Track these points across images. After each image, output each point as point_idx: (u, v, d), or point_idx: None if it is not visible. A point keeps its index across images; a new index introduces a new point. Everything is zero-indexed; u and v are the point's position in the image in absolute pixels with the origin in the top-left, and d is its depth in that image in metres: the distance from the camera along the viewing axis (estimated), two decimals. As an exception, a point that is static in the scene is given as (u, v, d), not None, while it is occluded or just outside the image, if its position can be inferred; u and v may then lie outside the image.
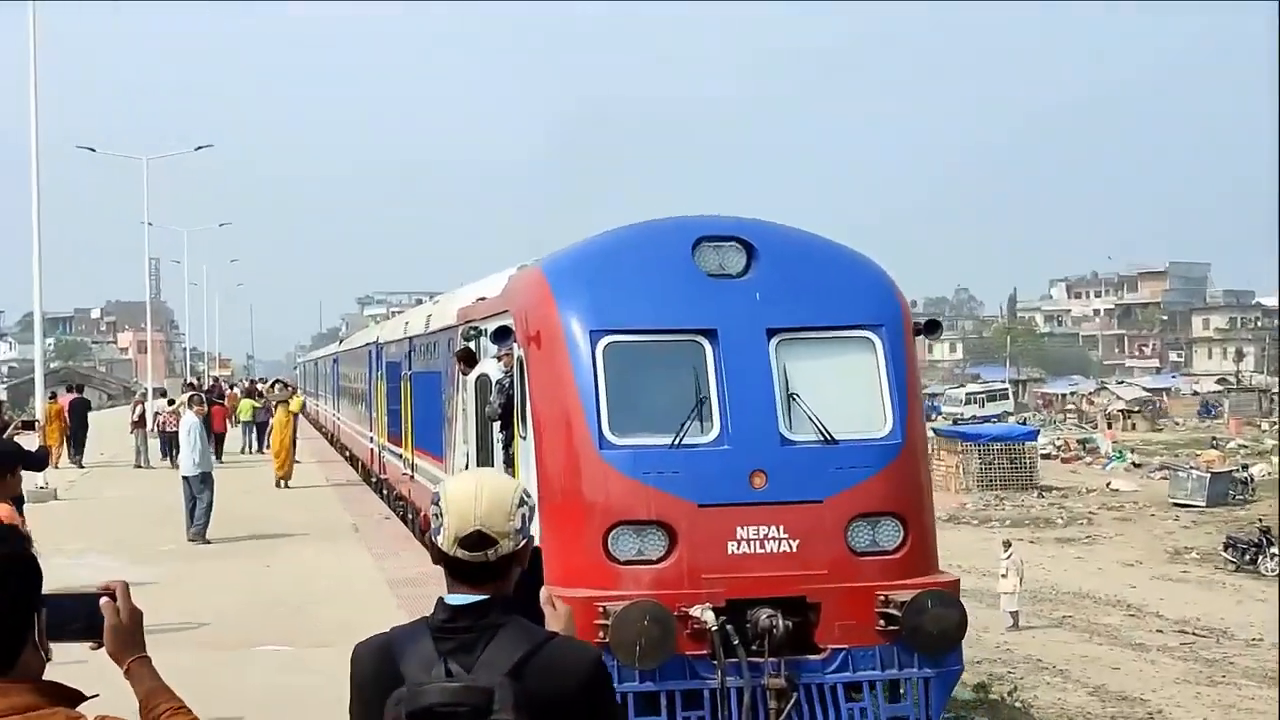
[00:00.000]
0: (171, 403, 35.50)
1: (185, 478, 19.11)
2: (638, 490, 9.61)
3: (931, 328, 10.74)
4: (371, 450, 26.37)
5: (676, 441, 9.64)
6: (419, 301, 65.80)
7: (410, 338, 19.35)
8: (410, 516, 19.91)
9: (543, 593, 3.01)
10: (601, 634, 9.06)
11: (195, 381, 52.61)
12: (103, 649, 2.82)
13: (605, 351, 9.88)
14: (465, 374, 12.74)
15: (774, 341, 10.00)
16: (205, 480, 18.90)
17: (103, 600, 2.82)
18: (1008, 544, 25.98)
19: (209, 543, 18.52)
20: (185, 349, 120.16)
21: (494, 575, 2.86)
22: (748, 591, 9.41)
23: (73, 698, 2.51)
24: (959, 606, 9.52)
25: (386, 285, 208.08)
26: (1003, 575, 25.09)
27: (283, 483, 26.70)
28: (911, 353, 10.40)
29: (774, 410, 9.79)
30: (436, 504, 2.88)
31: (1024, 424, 67.77)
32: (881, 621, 9.52)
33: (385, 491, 24.18)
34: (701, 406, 9.79)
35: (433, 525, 2.88)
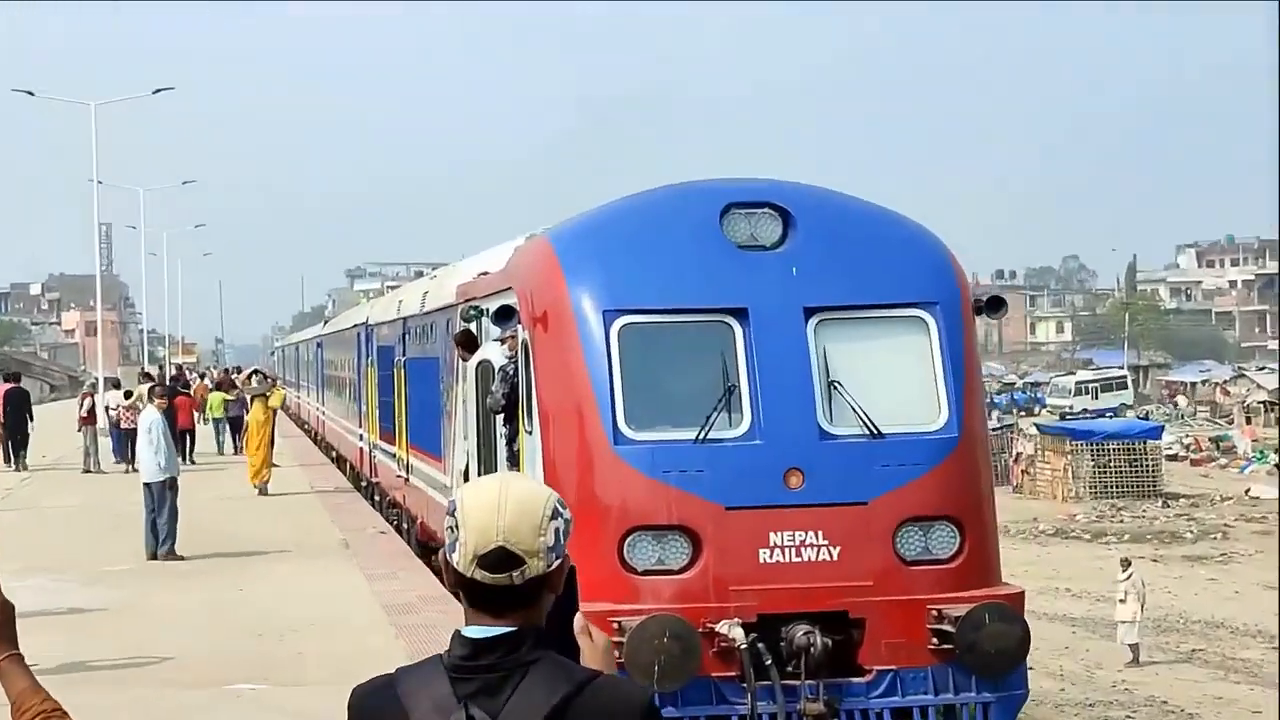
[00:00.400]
0: (128, 394, 36.24)
1: (146, 484, 19.34)
2: (657, 491, 10.24)
3: (994, 305, 11.32)
4: (361, 450, 27.16)
5: (701, 436, 10.26)
6: (419, 274, 66.19)
7: (404, 318, 20.09)
8: (405, 527, 20.63)
9: (577, 620, 2.99)
10: (616, 653, 9.69)
11: (156, 370, 53.55)
12: None
13: (621, 334, 10.50)
14: (465, 360, 13.41)
15: (813, 322, 10.60)
16: (170, 487, 19.24)
17: None
18: (1126, 563, 26.12)
19: (182, 559, 19.01)
20: (142, 331, 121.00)
21: (521, 602, 2.85)
22: (782, 605, 10.03)
23: None
24: (1021, 622, 10.11)
25: (381, 255, 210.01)
26: (1120, 600, 25.14)
27: (260, 489, 27.39)
28: (970, 334, 10.98)
29: (812, 400, 10.39)
30: (452, 515, 2.87)
31: (1146, 419, 68.29)
32: (934, 640, 10.11)
33: (378, 498, 24.92)
34: (730, 396, 10.41)
35: (447, 541, 2.88)
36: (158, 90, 55.58)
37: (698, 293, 10.65)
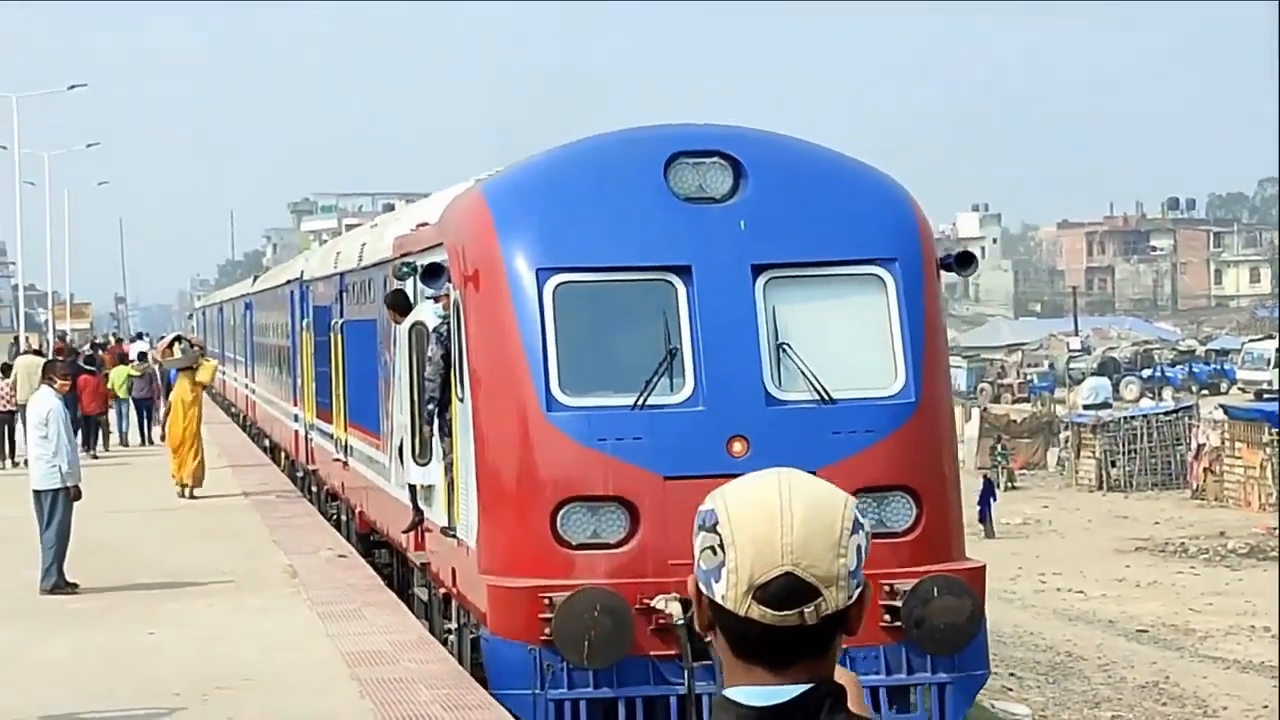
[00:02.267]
0: (6, 370, 38.43)
1: (37, 492, 19.73)
2: (593, 460, 13.32)
3: (963, 262, 14.37)
4: (297, 434, 30.37)
5: (640, 402, 13.33)
6: (389, 209, 68.23)
7: (341, 273, 23.27)
8: (344, 519, 23.82)
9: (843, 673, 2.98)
10: (544, 630, 12.79)
11: (38, 340, 55.29)
12: None
13: (556, 294, 13.57)
14: (397, 323, 16.50)
15: (761, 280, 13.64)
16: (70, 496, 19.65)
17: None
18: None
19: (73, 589, 19.42)
20: (16, 287, 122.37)
21: (813, 648, 2.84)
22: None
23: None
24: (971, 595, 13.16)
25: (339, 185, 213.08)
26: None
27: (187, 491, 28.69)
28: (933, 293, 14.01)
29: (759, 364, 13.44)
30: (712, 529, 2.84)
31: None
32: (887, 616, 13.17)
33: (315, 489, 28.11)
34: (671, 360, 13.46)
35: (702, 565, 2.86)
36: None
37: (639, 249, 13.72)
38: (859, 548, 2.83)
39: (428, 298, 15.43)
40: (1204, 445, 57.33)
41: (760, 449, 13.29)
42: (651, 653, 13.12)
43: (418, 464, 15.84)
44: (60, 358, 28.20)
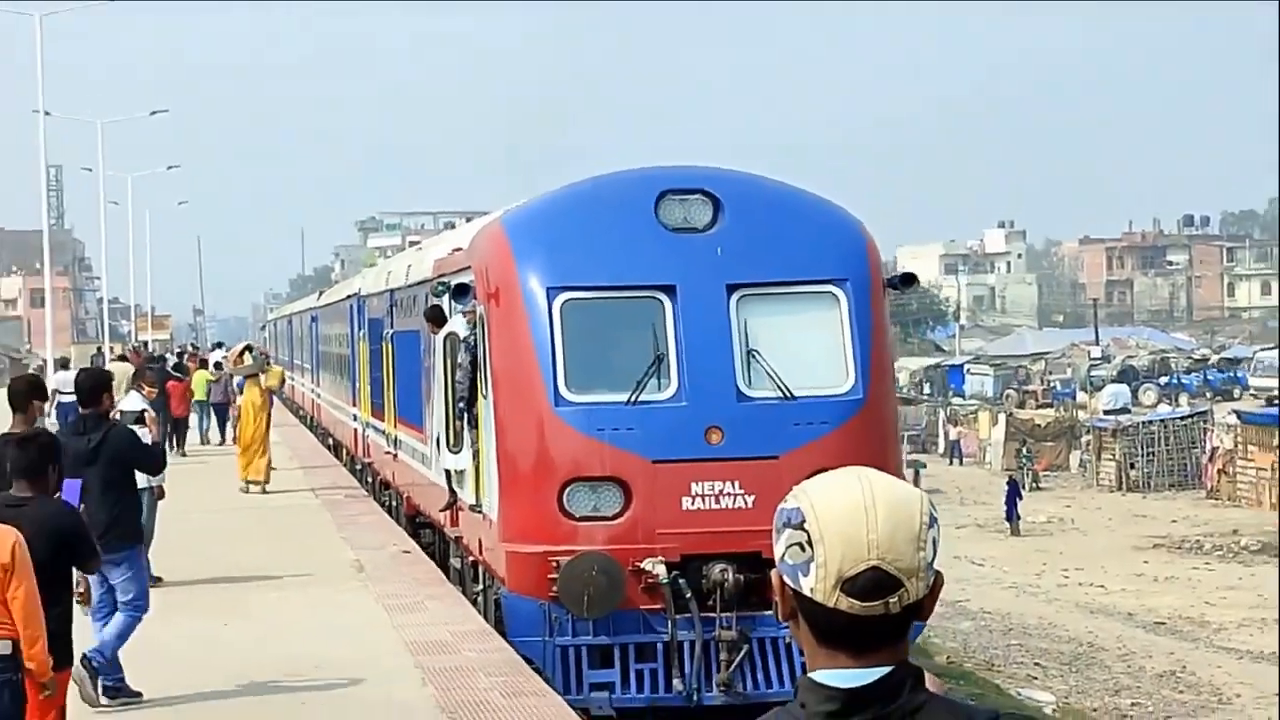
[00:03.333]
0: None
1: None
2: (593, 447, 15.22)
3: (906, 281, 16.23)
4: (355, 431, 32.36)
5: (633, 398, 15.22)
6: (449, 227, 69.55)
7: (391, 290, 25.24)
8: (395, 505, 25.76)
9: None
10: (552, 588, 14.71)
11: (136, 347, 56.15)
12: None
13: (563, 308, 15.48)
14: (435, 333, 18.44)
15: (734, 297, 15.52)
16: (157, 496, 19.59)
17: None
18: None
19: (158, 581, 19.04)
20: (101, 301, 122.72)
21: (892, 635, 2.95)
22: (702, 547, 14.97)
23: None
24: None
25: (402, 204, 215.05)
26: None
27: (252, 488, 29.62)
28: (880, 307, 15.87)
29: (732, 367, 15.32)
30: (800, 526, 2.95)
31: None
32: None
33: (370, 479, 30.05)
34: (659, 364, 15.35)
35: (789, 560, 2.97)
36: None
37: (632, 271, 15.61)
38: (934, 540, 2.96)
39: (458, 312, 17.32)
40: (1218, 448, 58.43)
41: (733, 438, 15.16)
42: (641, 607, 14.92)
43: (451, 452, 17.68)
44: (151, 365, 28.71)
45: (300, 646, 15.86)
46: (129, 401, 20.98)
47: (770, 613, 15.09)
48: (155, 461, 15.09)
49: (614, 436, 15.21)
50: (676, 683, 14.91)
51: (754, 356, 15.43)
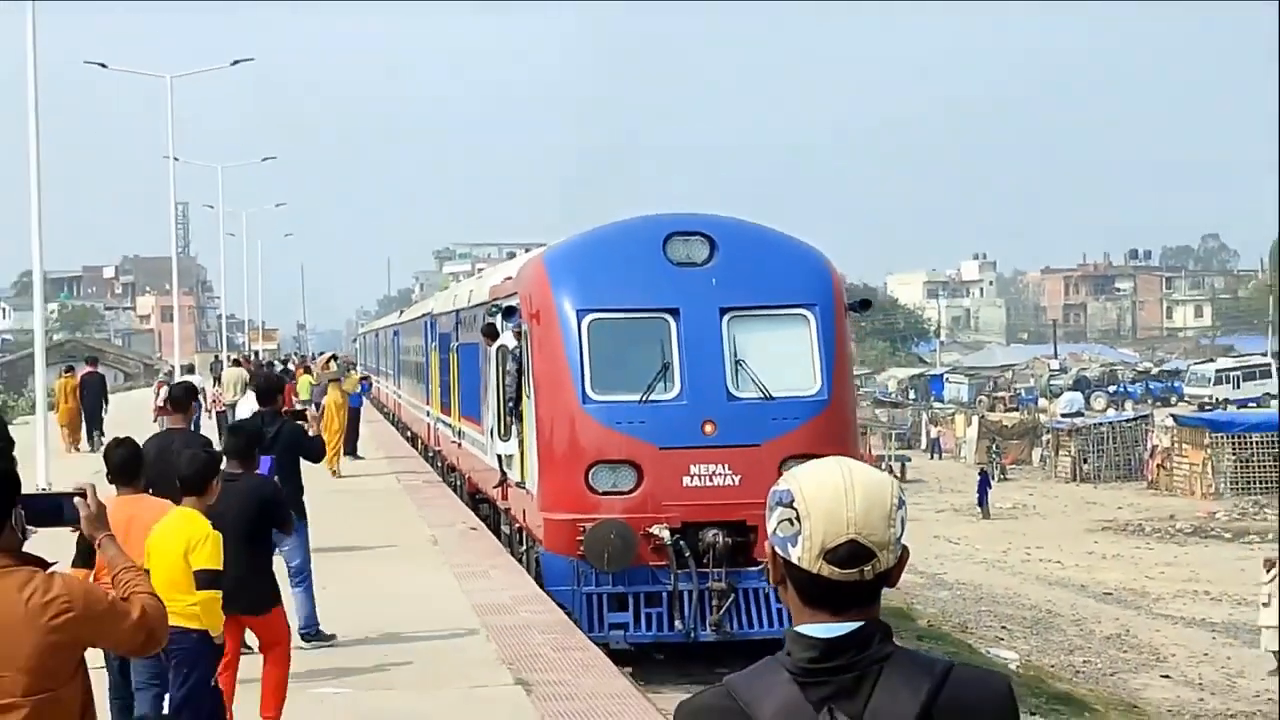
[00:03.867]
0: (217, 380, 40.99)
1: None
2: (612, 436, 16.18)
3: (863, 305, 17.16)
4: (428, 425, 33.37)
5: (644, 398, 16.17)
6: (511, 255, 70.48)
7: (457, 310, 26.23)
8: (459, 484, 26.75)
9: None
10: (579, 547, 15.68)
11: (248, 355, 57.30)
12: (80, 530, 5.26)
13: (589, 326, 16.44)
14: (489, 346, 19.43)
15: (726, 318, 16.46)
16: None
17: (76, 498, 5.19)
18: (1271, 564, 25.92)
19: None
20: (220, 316, 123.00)
21: (865, 598, 2.99)
22: (698, 516, 15.91)
23: (40, 562, 4.76)
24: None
25: (472, 235, 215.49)
26: (1264, 604, 25.56)
27: (335, 471, 29.57)
28: (841, 326, 16.80)
29: (723, 373, 16.26)
30: (789, 505, 2.97)
31: (1292, 410, 67.88)
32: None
33: (440, 464, 31.05)
34: (665, 370, 16.30)
35: (780, 533, 2.98)
36: (236, 62, 56.58)
37: (645, 297, 16.57)
38: (903, 519, 2.99)
39: (508, 329, 18.30)
40: (1157, 446, 57.59)
41: (724, 430, 16.11)
42: (650, 563, 15.89)
43: (502, 441, 18.64)
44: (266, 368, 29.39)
45: (384, 607, 16.00)
46: (247, 403, 21.03)
47: (753, 569, 16.06)
48: (318, 451, 15.78)
49: (629, 428, 16.18)
50: (677, 623, 15.90)
51: (741, 365, 16.37)
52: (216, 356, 65.99)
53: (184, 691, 9.04)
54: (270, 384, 15.84)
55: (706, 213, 17.63)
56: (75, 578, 5.36)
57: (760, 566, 16.08)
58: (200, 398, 37.27)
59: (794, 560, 2.95)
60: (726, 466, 16.07)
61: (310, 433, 16.19)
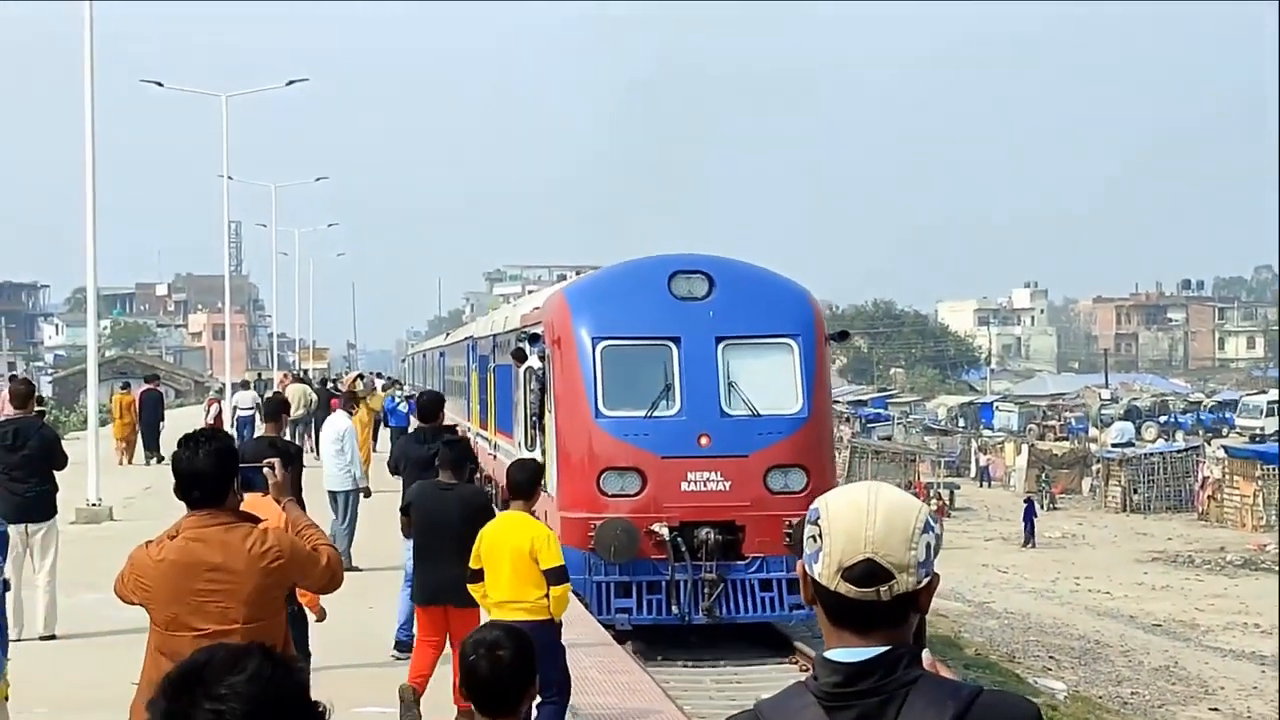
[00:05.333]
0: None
1: (332, 492, 20.19)
2: (621, 447, 19.03)
3: (841, 337, 20.02)
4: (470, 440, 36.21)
5: (649, 413, 19.01)
6: (561, 278, 72.99)
7: (494, 335, 29.17)
8: (493, 492, 29.61)
9: (925, 656, 3.13)
10: (591, 542, 18.52)
11: (298, 374, 58.70)
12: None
13: (603, 352, 19.30)
14: (518, 368, 22.35)
15: (721, 345, 19.30)
16: (365, 494, 20.43)
17: (264, 470, 6.93)
18: None
19: (357, 569, 18.50)
20: (271, 335, 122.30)
21: (891, 620, 3.02)
22: (693, 516, 18.71)
23: (254, 519, 6.42)
24: (830, 524, 18.71)
25: (523, 258, 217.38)
26: None
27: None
28: (822, 353, 19.61)
29: (717, 393, 19.09)
30: (815, 523, 3.04)
31: (1346, 442, 66.16)
32: (787, 539, 18.76)
33: (479, 474, 33.84)
34: (668, 390, 19.15)
35: (808, 550, 3.06)
36: (291, 82, 57.00)
37: (651, 327, 19.42)
38: (929, 545, 3.01)
39: (534, 353, 21.17)
40: (1208, 477, 57.95)
41: (717, 442, 18.89)
42: (651, 556, 18.67)
43: (527, 450, 21.33)
44: (351, 393, 29.93)
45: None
46: (336, 420, 21.53)
47: (740, 562, 18.84)
48: (476, 467, 16.49)
49: (636, 440, 18.99)
50: (674, 608, 18.64)
51: (733, 386, 19.18)
52: (258, 374, 65.65)
53: (556, 675, 10.30)
54: (433, 402, 16.92)
55: (707, 254, 20.50)
56: (281, 531, 6.69)
57: (747, 560, 18.94)
58: (235, 409, 39.11)
59: (816, 576, 3.03)
60: (719, 474, 18.81)
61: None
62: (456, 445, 12.82)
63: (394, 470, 16.76)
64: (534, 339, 20.44)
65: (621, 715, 13.04)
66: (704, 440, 18.90)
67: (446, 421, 18.30)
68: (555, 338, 19.89)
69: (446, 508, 11.78)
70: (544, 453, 20.46)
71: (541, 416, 20.66)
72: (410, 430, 17.25)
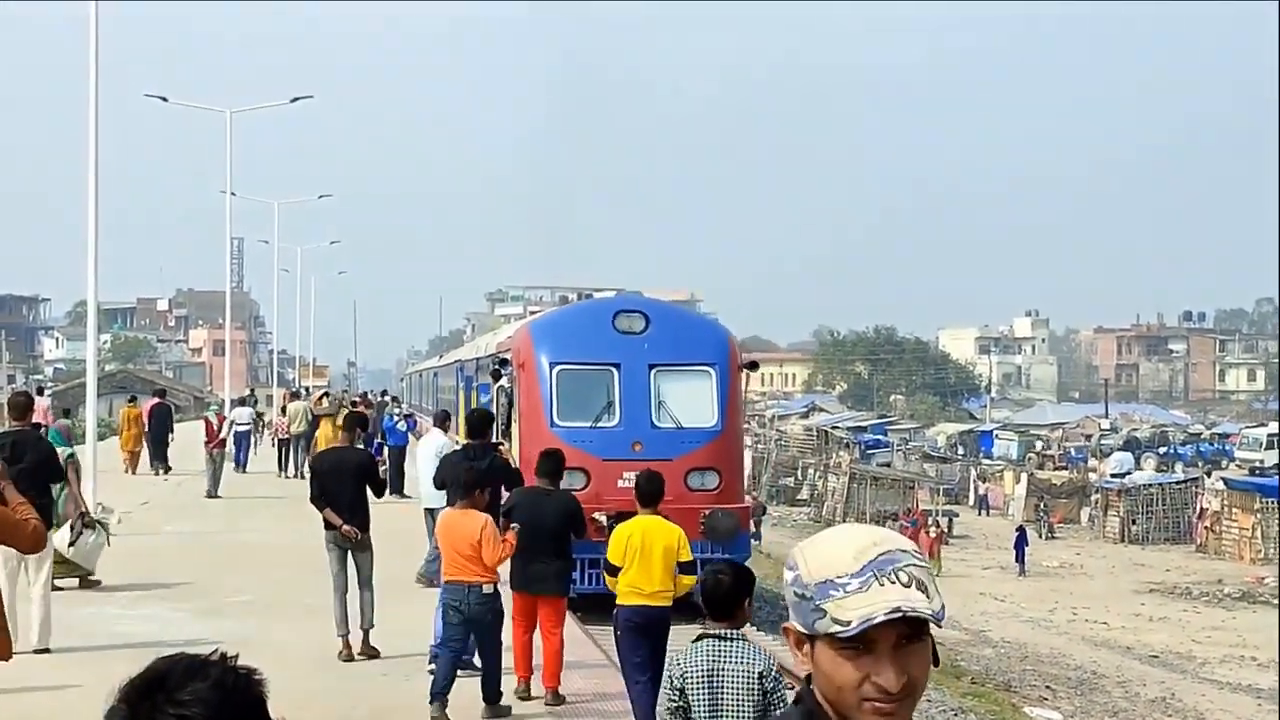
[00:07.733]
0: (284, 411, 44.26)
1: (429, 510, 20.91)
2: (571, 450, 24.11)
3: (751, 366, 25.50)
4: (458, 451, 41.58)
5: (594, 424, 24.31)
6: (563, 300, 76.70)
7: (477, 358, 34.60)
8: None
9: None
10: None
11: (297, 391, 58.63)
12: None
13: (558, 374, 24.65)
14: (494, 385, 27.79)
15: (653, 371, 24.61)
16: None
17: None
18: None
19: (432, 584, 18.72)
20: (272, 351, 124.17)
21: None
22: (628, 507, 23.10)
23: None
24: (736, 518, 24.07)
25: (525, 279, 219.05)
26: None
27: None
28: (735, 379, 24.94)
29: (649, 409, 24.44)
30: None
31: (1346, 476, 66.93)
32: (702, 527, 24.11)
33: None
34: (609, 406, 24.43)
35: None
36: (296, 99, 57.84)
37: (597, 354, 24.68)
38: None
39: (505, 374, 26.55)
40: (1207, 509, 59.15)
41: (648, 448, 23.83)
42: (593, 539, 23.65)
43: (499, 454, 26.87)
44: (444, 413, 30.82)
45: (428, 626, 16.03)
46: (431, 439, 22.79)
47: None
48: (521, 482, 16.84)
49: (582, 445, 23.94)
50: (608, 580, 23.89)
51: (662, 404, 24.42)
52: (250, 390, 64.50)
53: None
54: (482, 419, 17.75)
55: (645, 296, 25.96)
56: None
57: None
58: (233, 425, 41.15)
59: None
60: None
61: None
62: (552, 456, 14.56)
63: (439, 485, 17.54)
64: (505, 362, 25.82)
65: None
66: (637, 446, 23.77)
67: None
68: (521, 362, 25.16)
69: (546, 511, 13.66)
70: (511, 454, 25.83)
71: (509, 425, 26.02)
72: (459, 446, 19.30)
